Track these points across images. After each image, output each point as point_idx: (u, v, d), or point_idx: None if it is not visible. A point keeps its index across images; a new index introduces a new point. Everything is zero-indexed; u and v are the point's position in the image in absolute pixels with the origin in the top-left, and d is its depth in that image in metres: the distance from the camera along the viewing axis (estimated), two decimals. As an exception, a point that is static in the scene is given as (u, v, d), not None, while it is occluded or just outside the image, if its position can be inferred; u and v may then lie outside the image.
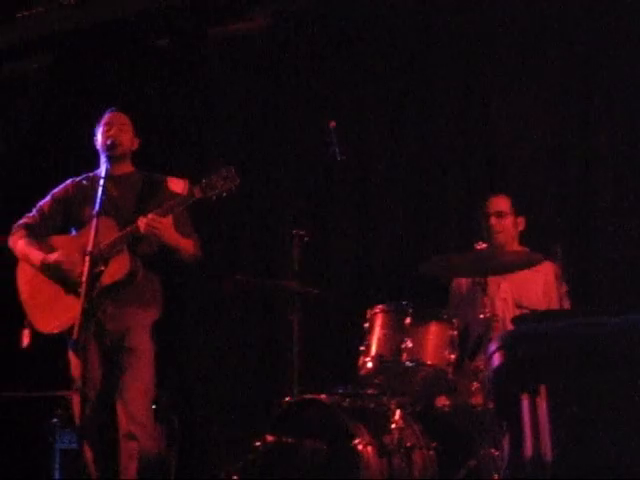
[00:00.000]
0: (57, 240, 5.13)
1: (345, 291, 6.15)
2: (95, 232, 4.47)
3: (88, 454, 4.81)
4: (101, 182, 4.68)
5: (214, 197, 4.86)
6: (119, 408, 4.87)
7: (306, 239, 5.67)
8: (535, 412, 2.90)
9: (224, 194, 4.87)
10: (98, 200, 4.58)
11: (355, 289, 6.33)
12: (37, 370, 6.29)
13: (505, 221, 5.64)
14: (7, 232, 5.29)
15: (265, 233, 6.78)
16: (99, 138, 5.22)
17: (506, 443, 3.08)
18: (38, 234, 5.15)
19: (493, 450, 4.54)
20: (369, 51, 6.75)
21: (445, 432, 4.99)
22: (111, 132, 5.17)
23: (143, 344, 5.03)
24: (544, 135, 6.13)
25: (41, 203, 5.26)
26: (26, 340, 4.98)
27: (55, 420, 5.85)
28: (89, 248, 4.45)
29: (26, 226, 5.19)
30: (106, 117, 5.28)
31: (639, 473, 2.75)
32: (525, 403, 2.94)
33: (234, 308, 6.75)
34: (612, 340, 2.96)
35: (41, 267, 5.00)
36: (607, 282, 5.85)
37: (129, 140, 5.27)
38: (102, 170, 4.95)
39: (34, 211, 5.24)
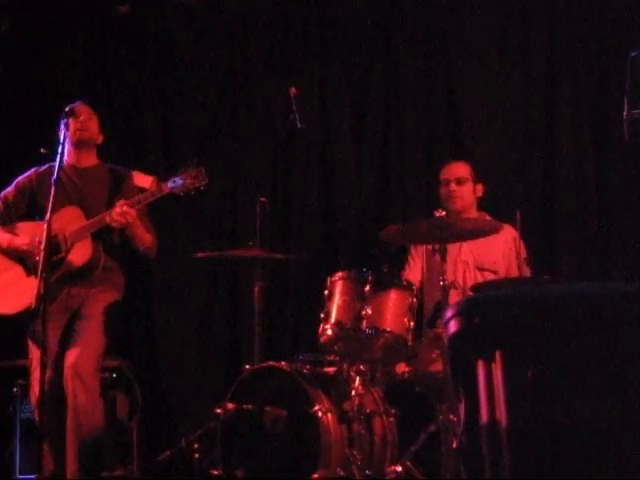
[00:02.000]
0: (22, 226, 5.18)
1: (307, 258, 6.14)
2: (52, 203, 4.51)
3: (44, 430, 4.80)
4: (57, 157, 4.69)
5: (181, 194, 4.97)
6: (65, 366, 4.87)
7: (268, 206, 5.66)
8: (490, 378, 2.91)
9: (192, 192, 4.97)
10: (55, 171, 4.59)
11: (317, 256, 6.33)
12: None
13: (464, 187, 5.66)
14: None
15: (228, 201, 6.75)
16: (68, 128, 5.16)
17: (462, 409, 3.10)
18: (2, 222, 5.22)
19: (452, 416, 4.57)
20: (332, 15, 6.71)
21: (405, 398, 5.02)
22: (80, 119, 5.19)
23: (96, 311, 5.05)
24: (507, 102, 6.14)
25: (5, 192, 5.30)
26: None
27: (16, 390, 5.81)
28: (47, 216, 4.47)
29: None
30: (78, 106, 5.27)
31: (593, 438, 2.78)
32: (480, 369, 2.95)
33: (197, 276, 6.73)
34: (568, 306, 2.97)
35: (7, 249, 5.09)
36: (565, 249, 5.90)
37: (96, 131, 5.35)
38: (69, 158, 5.21)
39: None
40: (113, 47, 7.24)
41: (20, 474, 5.68)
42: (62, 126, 5.06)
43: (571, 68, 6.08)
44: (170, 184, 4.97)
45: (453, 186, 5.65)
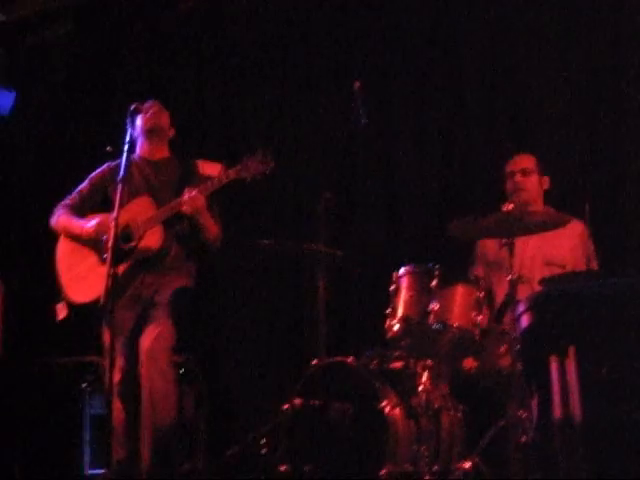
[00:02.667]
0: (95, 217, 5.26)
1: (372, 253, 6.13)
2: (120, 201, 4.56)
3: (117, 420, 4.86)
4: (125, 149, 4.71)
5: (249, 179, 5.02)
6: (141, 352, 4.96)
7: (333, 201, 5.65)
8: (564, 374, 2.89)
9: (258, 177, 5.01)
10: (122, 169, 4.62)
11: (382, 251, 6.31)
12: (68, 336, 6.33)
13: (530, 179, 5.60)
14: (44, 213, 5.48)
15: (292, 196, 6.76)
16: (138, 122, 5.34)
17: (534, 405, 3.07)
18: (77, 213, 5.34)
19: (521, 412, 4.52)
20: (395, 11, 6.68)
21: (472, 394, 4.99)
22: (151, 112, 5.34)
23: (168, 299, 5.13)
24: (572, 94, 6.06)
25: (80, 187, 5.43)
26: (62, 314, 5.08)
27: (85, 385, 5.88)
28: (114, 214, 4.52)
29: (66, 205, 5.39)
30: (150, 102, 5.40)
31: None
32: (554, 365, 2.93)
33: (262, 271, 6.75)
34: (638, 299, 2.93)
35: (80, 236, 5.19)
36: (636, 242, 5.80)
37: (167, 123, 5.47)
38: (142, 151, 5.38)
39: (74, 193, 5.43)
40: (174, 45, 7.29)
41: (90, 469, 5.74)
42: (129, 123, 5.15)
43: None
44: (236, 169, 5.01)
45: (518, 177, 5.59)
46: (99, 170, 5.45)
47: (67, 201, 5.41)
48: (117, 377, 4.80)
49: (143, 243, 5.08)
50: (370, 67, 6.66)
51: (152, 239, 5.08)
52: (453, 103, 6.45)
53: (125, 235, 5.02)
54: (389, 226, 6.51)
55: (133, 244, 5.06)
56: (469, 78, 6.42)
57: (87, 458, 5.76)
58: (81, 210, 5.35)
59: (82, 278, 5.15)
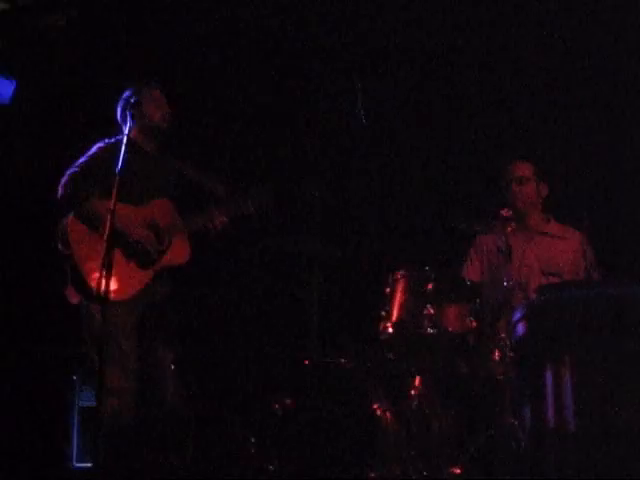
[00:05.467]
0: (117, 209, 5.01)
1: (368, 253, 6.12)
2: (116, 193, 4.35)
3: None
4: (124, 141, 4.62)
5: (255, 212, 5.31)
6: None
7: (329, 201, 5.64)
8: (559, 382, 2.87)
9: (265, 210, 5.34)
10: (121, 160, 4.49)
11: (378, 251, 6.30)
12: (59, 327, 6.31)
13: (527, 187, 5.57)
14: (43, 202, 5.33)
15: (287, 196, 6.74)
16: (150, 110, 5.22)
17: (528, 413, 3.06)
18: (85, 192, 5.02)
19: (512, 419, 4.51)
20: (397, 13, 6.66)
21: (464, 400, 4.97)
22: (165, 112, 5.28)
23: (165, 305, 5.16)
24: (573, 103, 6.06)
25: (80, 163, 5.12)
26: (75, 298, 4.97)
27: (75, 377, 5.86)
28: (111, 206, 4.43)
29: (80, 186, 5.03)
30: (157, 92, 5.32)
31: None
32: (549, 372, 2.92)
33: (257, 270, 6.73)
34: (637, 309, 2.93)
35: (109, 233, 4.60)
36: (633, 251, 5.79)
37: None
38: (138, 140, 5.19)
39: (80, 167, 5.09)
40: (175, 32, 7.26)
41: (77, 462, 5.71)
42: (129, 114, 4.93)
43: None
44: (250, 203, 5.27)
45: (515, 186, 5.58)
46: (102, 147, 5.18)
47: (75, 176, 5.03)
48: (101, 380, 4.60)
49: (173, 252, 5.08)
50: (370, 68, 6.64)
51: (181, 252, 5.11)
52: (453, 105, 6.45)
53: (156, 237, 5.01)
54: (385, 226, 6.50)
55: (163, 248, 5.04)
56: (470, 81, 6.41)
57: (75, 450, 5.73)
58: (87, 187, 5.01)
59: (121, 276, 4.85)
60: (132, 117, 4.90)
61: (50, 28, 7.58)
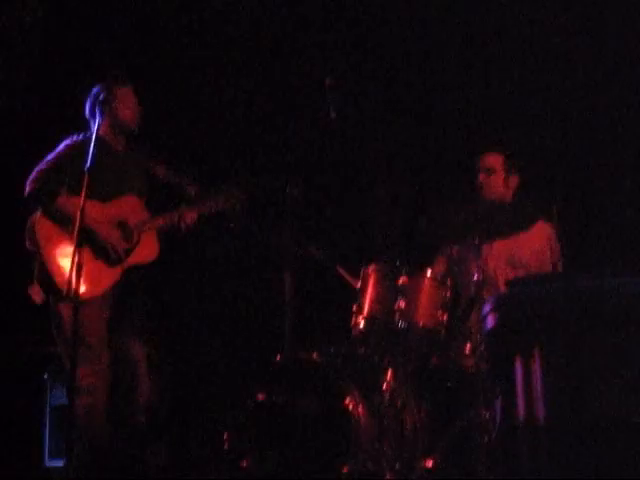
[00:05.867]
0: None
1: (339, 248, 6.11)
2: (85, 191, 4.31)
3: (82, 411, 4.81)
4: (94, 138, 4.58)
5: (231, 210, 5.38)
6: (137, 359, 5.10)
7: (300, 197, 5.63)
8: (528, 374, 2.89)
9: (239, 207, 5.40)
10: (90, 156, 4.45)
11: (349, 247, 6.30)
12: (28, 325, 6.27)
13: (494, 178, 5.56)
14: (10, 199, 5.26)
15: (260, 192, 6.73)
16: (120, 108, 5.20)
17: (499, 405, 3.07)
18: (55, 189, 4.99)
19: (484, 412, 4.53)
20: (366, 6, 6.67)
21: (436, 393, 4.99)
22: (135, 110, 5.26)
23: (138, 301, 5.23)
24: (544, 92, 6.07)
25: (51, 159, 5.09)
26: (38, 297, 4.93)
27: (46, 376, 5.83)
28: (79, 202, 4.40)
29: (53, 182, 5.00)
30: (128, 91, 5.28)
31: (634, 435, 2.74)
32: (518, 365, 2.93)
33: (229, 265, 6.73)
34: (606, 302, 2.94)
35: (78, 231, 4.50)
36: (602, 243, 5.82)
37: None
38: (106, 138, 5.14)
39: (48, 164, 5.05)
40: (147, 32, 7.23)
41: (49, 460, 5.69)
42: (98, 110, 4.92)
43: (611, 59, 5.98)
44: (222, 201, 5.31)
45: (482, 176, 5.57)
46: (70, 145, 5.13)
47: (43, 174, 4.99)
48: (72, 378, 4.34)
49: (141, 250, 5.08)
50: (342, 62, 6.63)
51: (149, 248, 5.11)
52: (424, 97, 6.44)
53: (124, 233, 5.01)
54: (358, 221, 6.50)
55: (130, 246, 5.03)
56: (441, 73, 6.41)
57: (47, 449, 5.70)
58: (56, 184, 4.98)
59: (90, 273, 4.80)
60: (101, 114, 4.86)
61: (19, 22, 7.53)
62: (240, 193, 5.38)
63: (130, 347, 5.07)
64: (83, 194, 4.31)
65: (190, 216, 5.17)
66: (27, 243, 4.95)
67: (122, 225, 5.03)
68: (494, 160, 5.62)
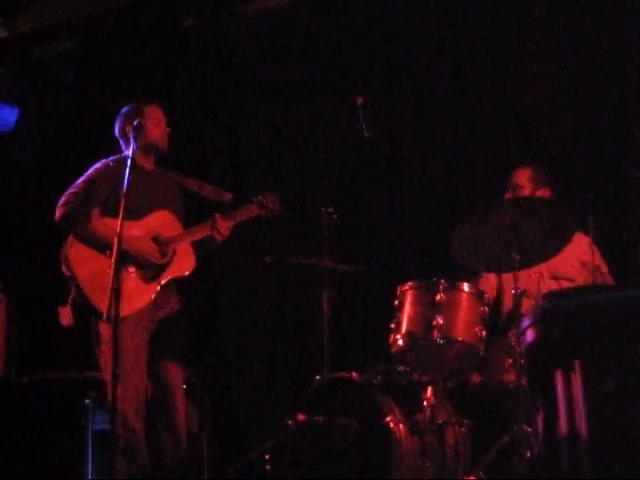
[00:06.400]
0: (113, 224, 4.74)
1: (376, 268, 6.10)
2: (123, 214, 4.38)
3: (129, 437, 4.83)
4: (129, 163, 4.60)
5: (264, 216, 5.35)
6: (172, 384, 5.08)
7: (335, 216, 5.64)
8: (570, 388, 2.86)
9: (274, 215, 5.40)
10: (126, 178, 4.49)
11: (386, 266, 6.28)
12: (70, 351, 6.31)
13: (519, 194, 5.51)
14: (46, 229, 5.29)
15: (295, 211, 6.74)
16: (150, 129, 5.21)
17: (540, 420, 3.05)
18: (88, 205, 5.01)
19: (526, 427, 4.50)
20: (397, 25, 6.67)
21: (477, 409, 4.96)
22: (165, 131, 5.28)
23: (177, 321, 5.20)
24: (577, 105, 6.04)
25: (87, 177, 5.12)
26: (67, 320, 4.96)
27: (88, 401, 5.85)
28: (111, 224, 4.56)
29: (86, 203, 5.01)
30: (157, 111, 5.32)
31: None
32: (559, 379, 2.90)
33: (266, 287, 6.73)
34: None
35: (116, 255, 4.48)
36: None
37: None
38: (137, 159, 5.03)
39: (79, 188, 5.07)
40: (178, 61, 7.31)
41: (93, 485, 5.70)
42: (132, 137, 4.82)
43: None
44: (257, 207, 5.28)
45: (510, 194, 5.55)
46: (101, 168, 5.16)
47: (77, 196, 5.01)
48: (114, 399, 4.35)
49: (178, 263, 5.06)
50: (374, 81, 6.65)
51: (185, 261, 5.08)
52: (456, 115, 6.42)
53: (157, 249, 5.00)
54: (394, 240, 6.48)
55: (166, 260, 5.03)
56: (473, 90, 6.39)
57: (90, 475, 5.71)
58: (91, 202, 5.01)
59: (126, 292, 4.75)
60: (135, 139, 4.86)
61: (54, 54, 7.64)
62: (274, 199, 5.36)
63: (170, 371, 5.07)
64: (121, 218, 4.34)
65: (225, 225, 5.12)
66: (63, 268, 4.98)
67: (156, 239, 5.04)
68: (521, 175, 5.59)
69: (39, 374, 6.25)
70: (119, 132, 5.26)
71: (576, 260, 5.45)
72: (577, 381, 2.85)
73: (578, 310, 3.01)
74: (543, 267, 5.42)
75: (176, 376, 5.12)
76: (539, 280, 5.39)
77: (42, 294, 6.85)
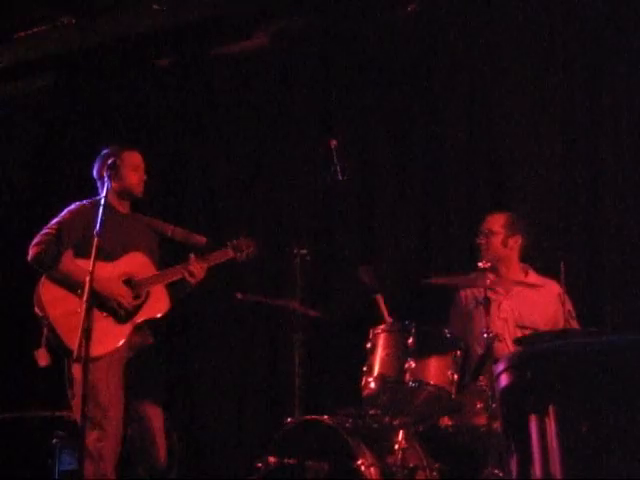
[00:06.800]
0: (85, 264, 4.75)
1: (348, 311, 6.11)
2: (95, 254, 4.37)
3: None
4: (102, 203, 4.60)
5: (239, 260, 5.38)
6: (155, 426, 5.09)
7: (308, 258, 5.65)
8: (544, 433, 2.87)
9: (248, 258, 5.43)
10: (99, 220, 4.49)
11: (358, 309, 6.28)
12: (37, 390, 6.25)
13: (492, 240, 5.54)
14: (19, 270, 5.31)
15: (267, 252, 6.73)
16: (127, 174, 5.25)
17: (513, 464, 3.04)
18: (59, 248, 5.01)
19: (497, 471, 4.50)
20: (369, 68, 6.72)
21: (448, 452, 4.96)
22: (141, 173, 5.31)
23: (151, 362, 5.21)
24: (549, 152, 6.09)
25: (60, 219, 5.14)
26: (44, 361, 4.93)
27: (55, 441, 5.79)
28: (84, 265, 4.56)
29: (59, 244, 5.02)
30: (136, 157, 5.34)
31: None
32: (533, 424, 2.91)
33: (237, 328, 6.71)
34: (620, 358, 2.93)
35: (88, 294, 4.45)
36: (613, 300, 5.79)
37: None
38: (112, 202, 5.09)
39: (52, 229, 5.07)
40: (154, 100, 7.33)
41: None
42: (106, 176, 4.82)
43: (615, 124, 5.99)
44: (232, 250, 5.33)
45: (481, 239, 5.58)
46: (75, 210, 5.19)
47: (49, 237, 5.02)
48: (82, 438, 4.33)
49: (151, 304, 5.06)
50: (348, 124, 6.68)
51: (160, 302, 5.09)
52: (430, 159, 6.45)
53: (129, 290, 5.01)
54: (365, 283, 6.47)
55: (139, 302, 5.03)
56: (447, 132, 6.42)
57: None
58: (62, 245, 5.01)
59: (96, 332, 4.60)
60: (109, 178, 4.85)
61: (26, 91, 7.63)
62: (249, 243, 5.40)
63: (147, 411, 5.04)
64: (93, 258, 4.34)
65: (199, 267, 5.15)
66: (35, 308, 4.96)
67: (129, 282, 5.04)
68: (494, 221, 5.62)
69: (5, 413, 6.18)
70: (97, 174, 5.27)
71: (543, 309, 5.46)
72: (551, 425, 2.85)
73: (553, 354, 3.02)
74: (509, 315, 5.43)
75: (155, 417, 5.08)
76: (504, 327, 5.40)
77: (12, 334, 6.79)
